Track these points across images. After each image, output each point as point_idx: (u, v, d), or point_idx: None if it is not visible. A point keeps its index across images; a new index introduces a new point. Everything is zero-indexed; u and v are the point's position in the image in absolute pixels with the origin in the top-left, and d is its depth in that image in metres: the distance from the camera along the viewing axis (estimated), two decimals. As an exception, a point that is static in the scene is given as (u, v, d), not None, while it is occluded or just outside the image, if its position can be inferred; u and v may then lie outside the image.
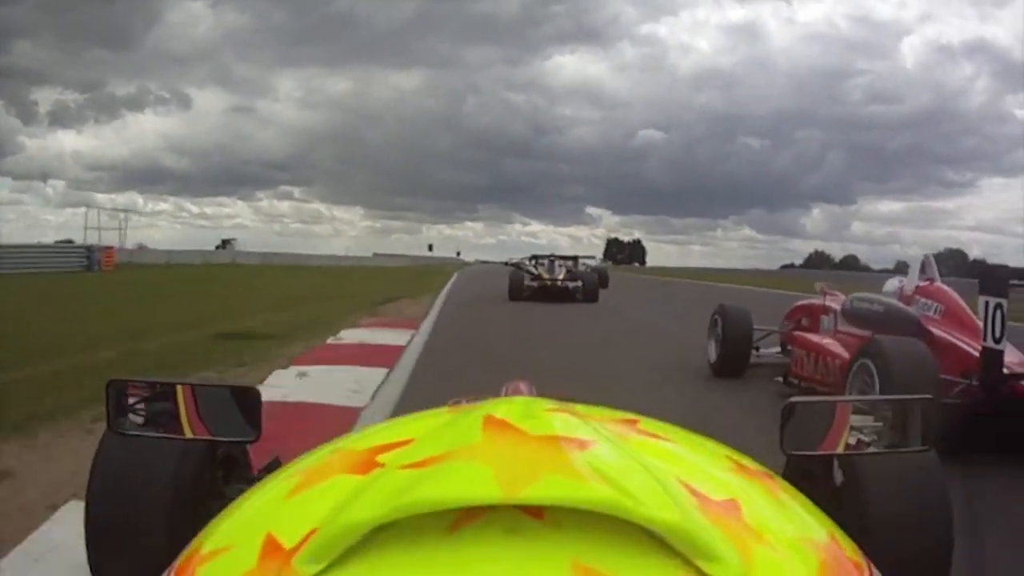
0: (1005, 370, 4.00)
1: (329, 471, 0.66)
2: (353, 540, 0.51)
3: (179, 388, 1.29)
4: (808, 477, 1.62)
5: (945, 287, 5.16)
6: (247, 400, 1.30)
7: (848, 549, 0.66)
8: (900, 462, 1.51)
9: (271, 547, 0.56)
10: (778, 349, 6.69)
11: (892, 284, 5.68)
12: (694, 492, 0.59)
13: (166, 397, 1.30)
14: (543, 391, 1.64)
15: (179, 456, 1.54)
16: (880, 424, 1.27)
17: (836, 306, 5.84)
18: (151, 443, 1.43)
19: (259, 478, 1.70)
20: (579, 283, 16.98)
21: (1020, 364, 4.23)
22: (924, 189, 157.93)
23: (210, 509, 1.58)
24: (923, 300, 5.11)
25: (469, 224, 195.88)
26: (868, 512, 1.49)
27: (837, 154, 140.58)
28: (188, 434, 1.28)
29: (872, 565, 0.66)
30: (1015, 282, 4.05)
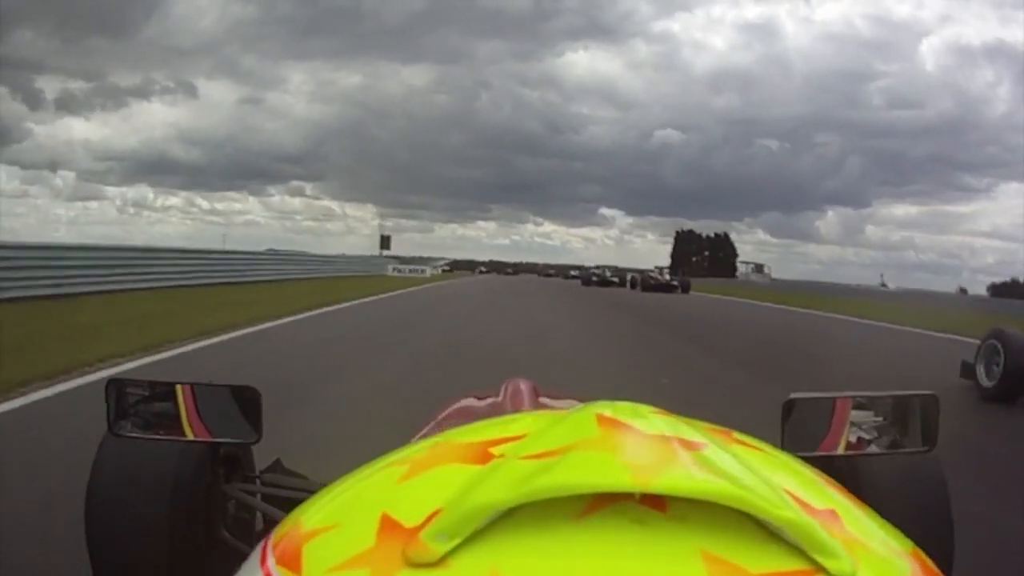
0: None
1: (439, 460, 0.67)
2: (483, 521, 0.52)
3: (179, 388, 1.30)
4: None
5: None
6: (247, 400, 1.32)
7: (929, 562, 0.69)
8: (901, 461, 1.51)
9: (390, 525, 0.56)
10: None
11: None
12: (796, 499, 0.61)
13: (166, 398, 1.31)
14: (542, 389, 1.68)
15: (179, 456, 1.55)
16: (881, 420, 1.26)
17: None
18: (151, 444, 1.44)
19: (261, 478, 1.76)
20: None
21: None
22: (941, 194, 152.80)
23: (211, 510, 1.63)
24: None
25: (482, 224, 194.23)
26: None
27: (854, 157, 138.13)
28: (188, 435, 1.30)
29: None
30: None
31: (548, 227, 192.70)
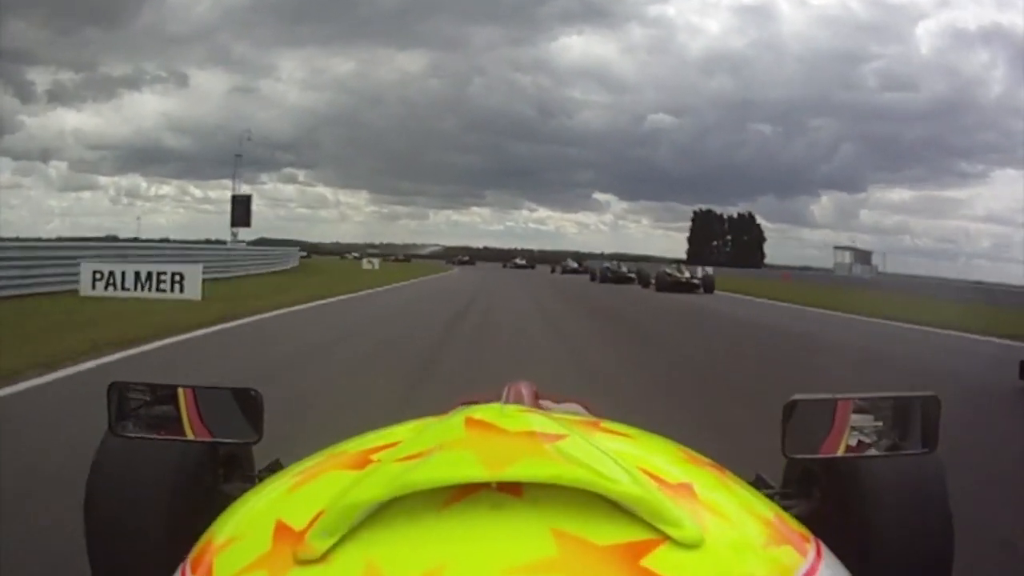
0: None
1: (326, 469, 0.75)
2: (358, 517, 0.59)
3: (180, 391, 1.32)
4: (809, 477, 1.64)
5: None
6: (249, 402, 1.33)
7: (794, 525, 0.74)
8: (901, 463, 1.52)
9: (282, 531, 0.63)
10: None
11: None
12: (652, 476, 0.67)
13: (167, 400, 1.33)
14: (544, 392, 1.68)
15: (179, 457, 1.57)
16: (881, 423, 1.27)
17: None
18: (152, 445, 1.47)
19: (260, 479, 1.78)
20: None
21: None
22: (937, 179, 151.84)
23: (211, 510, 1.68)
24: None
25: (476, 210, 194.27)
26: (868, 513, 1.50)
27: (848, 141, 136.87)
28: (189, 436, 1.32)
29: (821, 543, 0.72)
30: None
31: (542, 213, 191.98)
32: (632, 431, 0.87)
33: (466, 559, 0.57)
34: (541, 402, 1.58)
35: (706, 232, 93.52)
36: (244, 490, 1.67)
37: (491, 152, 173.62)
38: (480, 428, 0.67)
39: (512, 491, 0.61)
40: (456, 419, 0.70)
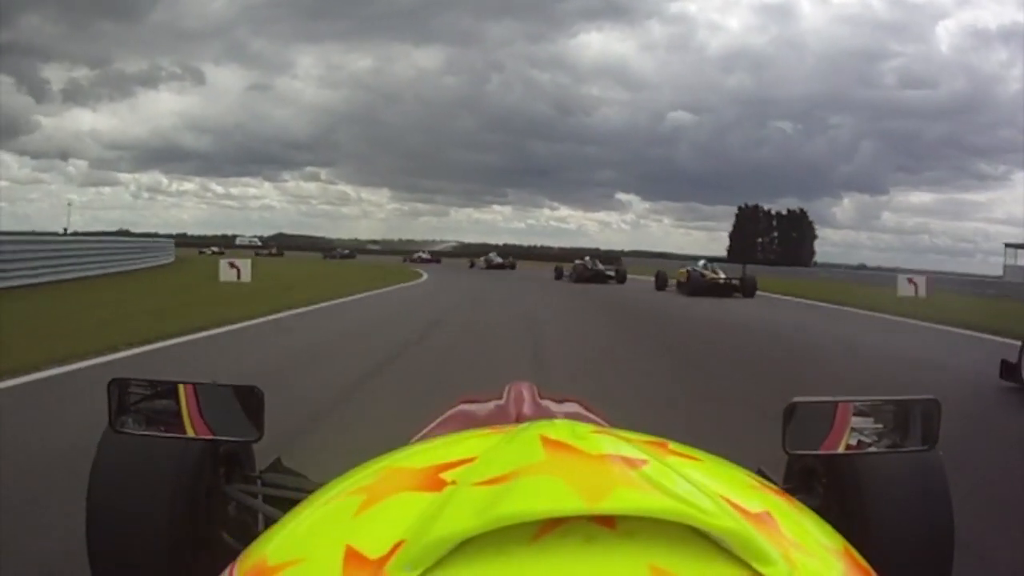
0: None
1: (393, 488, 0.70)
2: (444, 551, 0.56)
3: (181, 388, 1.33)
4: (809, 477, 1.65)
5: None
6: (250, 399, 1.34)
7: (859, 558, 0.73)
8: (902, 461, 1.53)
9: (354, 558, 0.59)
10: None
11: None
12: (733, 505, 0.65)
13: (168, 396, 1.34)
14: (544, 392, 1.68)
15: (180, 455, 1.57)
16: (882, 425, 1.29)
17: None
18: (152, 442, 1.47)
19: (262, 478, 1.78)
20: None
21: None
22: (956, 180, 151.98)
23: (212, 509, 1.66)
24: None
25: (498, 208, 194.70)
26: (869, 512, 1.51)
27: (868, 139, 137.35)
28: (190, 433, 1.33)
29: (875, 572, 0.72)
30: None
31: (564, 211, 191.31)
32: (698, 453, 0.85)
33: None
34: (542, 402, 1.60)
35: (750, 229, 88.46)
36: (245, 491, 1.72)
37: (510, 150, 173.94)
38: (559, 449, 0.65)
39: (605, 523, 0.58)
40: (530, 436, 0.68)
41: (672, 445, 0.84)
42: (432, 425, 1.51)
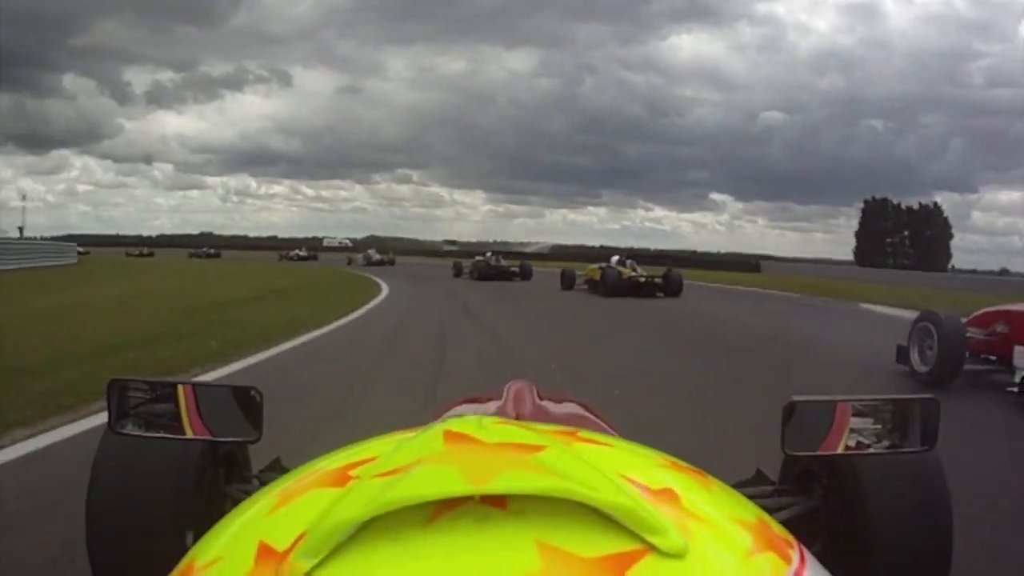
0: None
1: (306, 487, 0.74)
2: (342, 536, 0.58)
3: (180, 388, 1.35)
4: (808, 477, 1.64)
5: None
6: (248, 400, 1.35)
7: (777, 529, 0.73)
8: (901, 461, 1.52)
9: (265, 551, 0.63)
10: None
11: None
12: (634, 483, 0.67)
13: (167, 397, 1.36)
14: (544, 392, 1.64)
15: (180, 456, 1.60)
16: (881, 426, 1.28)
17: None
18: (152, 443, 1.49)
19: (260, 478, 1.81)
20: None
21: None
22: None
23: (211, 509, 1.68)
24: None
25: (592, 209, 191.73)
26: (868, 512, 1.50)
27: (958, 137, 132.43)
28: (189, 434, 1.35)
29: (803, 546, 0.72)
30: None
31: (658, 212, 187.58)
32: (612, 440, 0.88)
33: (452, 574, 0.57)
34: (541, 402, 1.61)
35: (879, 226, 73.29)
36: (244, 491, 1.75)
37: (604, 151, 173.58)
38: (459, 441, 0.68)
39: (496, 504, 0.61)
40: (434, 433, 0.70)
41: (583, 433, 0.86)
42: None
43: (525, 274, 25.00)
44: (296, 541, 0.61)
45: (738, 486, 1.39)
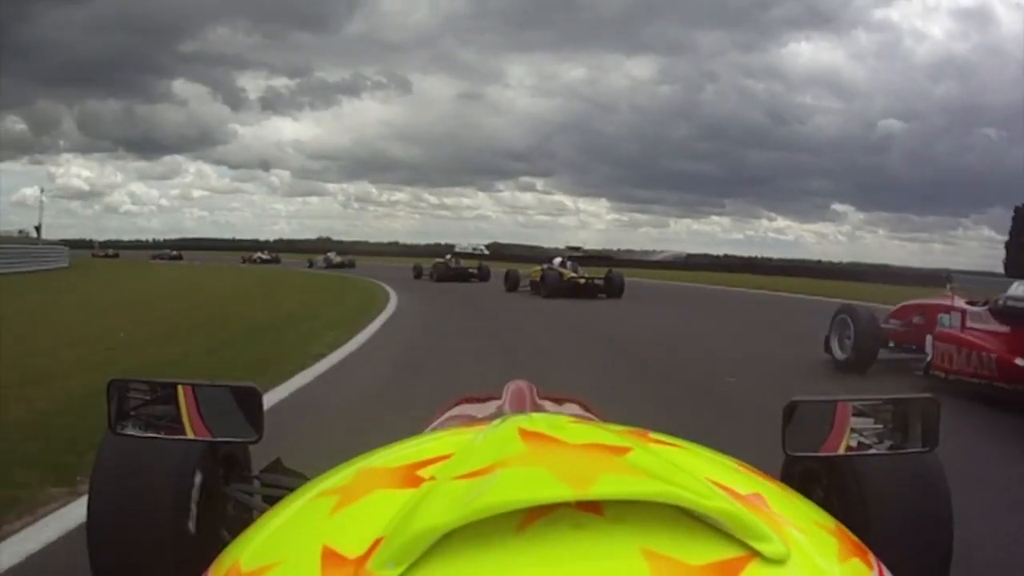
0: None
1: (368, 487, 0.68)
2: (427, 544, 0.54)
3: (180, 388, 1.34)
4: (809, 477, 1.64)
5: None
6: (248, 400, 1.35)
7: (853, 536, 0.72)
8: (902, 462, 1.53)
9: (332, 558, 0.58)
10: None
11: (1018, 289, 6.39)
12: (722, 487, 0.64)
13: (167, 398, 1.35)
14: (544, 391, 1.66)
15: (181, 456, 1.60)
16: (881, 426, 1.28)
17: (962, 306, 6.66)
18: (152, 443, 1.48)
19: (259, 478, 1.80)
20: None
21: None
22: None
23: (211, 509, 1.68)
24: None
25: (716, 219, 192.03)
26: (869, 512, 1.51)
27: None
28: (189, 434, 1.34)
29: (871, 550, 0.71)
30: None
31: (781, 222, 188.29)
32: (681, 441, 0.84)
33: None
34: (540, 402, 1.61)
35: None
36: (244, 491, 1.74)
37: (726, 159, 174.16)
38: (539, 440, 0.64)
39: (593, 509, 0.57)
40: (508, 430, 0.67)
41: (653, 434, 0.83)
42: (431, 426, 1.50)
43: (483, 276, 25.26)
44: (372, 547, 0.57)
45: None
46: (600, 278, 18.84)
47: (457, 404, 1.67)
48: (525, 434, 0.66)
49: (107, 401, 1.38)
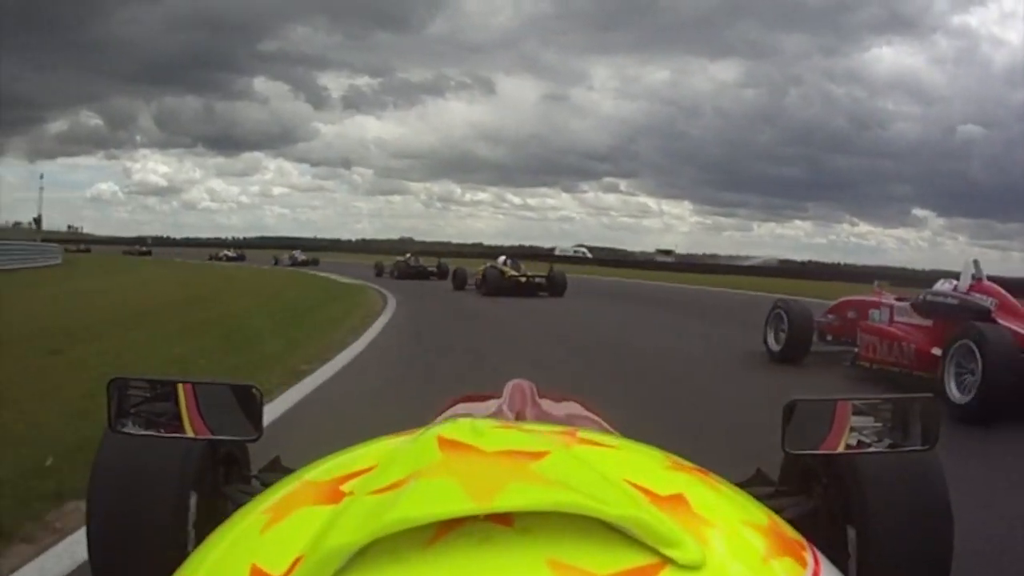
0: None
1: (297, 504, 0.71)
2: (341, 562, 0.55)
3: (180, 387, 1.33)
4: (808, 476, 1.65)
5: (993, 284, 6.38)
6: (248, 399, 1.35)
7: (789, 531, 0.72)
8: (901, 461, 1.53)
9: None
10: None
11: (944, 285, 6.82)
12: (642, 490, 0.65)
13: (167, 396, 1.34)
14: (543, 391, 1.68)
15: (181, 455, 1.58)
16: (881, 425, 1.29)
17: (890, 301, 7.20)
18: (152, 442, 1.47)
19: (258, 478, 1.78)
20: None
21: None
22: None
23: (211, 509, 1.66)
24: (977, 295, 6.32)
25: (799, 223, 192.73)
26: (869, 511, 1.51)
27: None
28: (189, 433, 1.33)
29: (815, 547, 0.71)
30: None
31: (863, 227, 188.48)
32: (614, 440, 0.85)
33: None
34: (540, 400, 1.62)
35: None
36: (244, 491, 1.72)
37: (809, 164, 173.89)
38: (456, 450, 0.65)
39: (502, 520, 0.58)
40: (427, 440, 0.68)
41: (582, 434, 0.84)
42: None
43: (442, 274, 25.72)
44: (292, 566, 0.58)
45: (738, 486, 1.44)
46: (542, 276, 18.99)
47: (456, 404, 1.68)
48: (443, 443, 0.66)
49: (107, 399, 1.37)
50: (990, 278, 6.48)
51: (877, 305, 7.34)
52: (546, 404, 1.60)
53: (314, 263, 41.36)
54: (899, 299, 7.24)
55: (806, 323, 7.88)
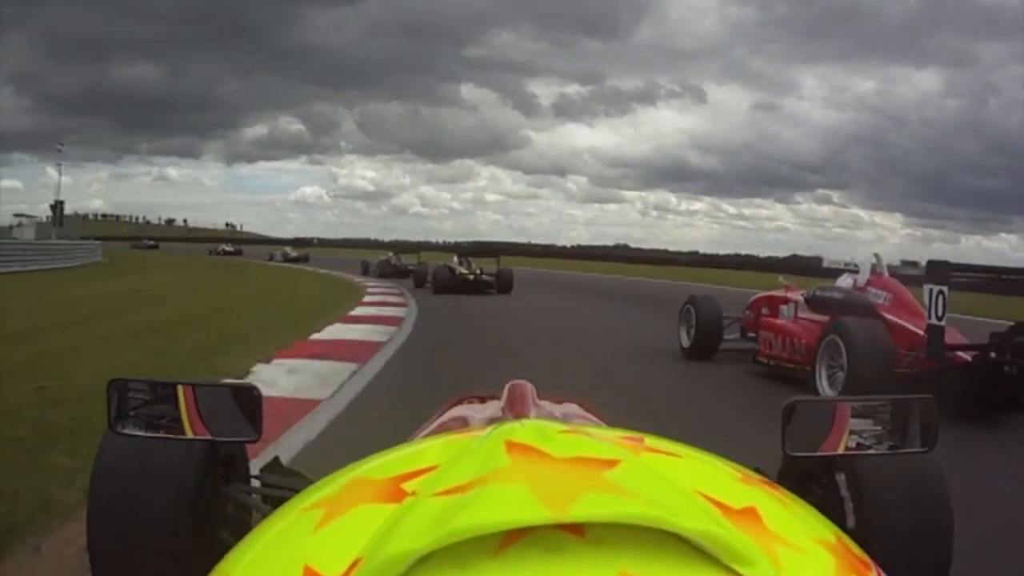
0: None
1: (354, 501, 0.68)
2: (402, 568, 0.53)
3: (179, 388, 1.32)
4: (808, 478, 1.66)
5: (893, 280, 6.54)
6: (247, 399, 1.33)
7: (855, 548, 0.71)
8: (901, 462, 1.54)
9: None
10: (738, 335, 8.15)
11: (845, 280, 6.91)
12: (714, 502, 0.63)
13: (167, 397, 1.32)
14: (544, 392, 1.69)
15: (181, 456, 1.57)
16: (880, 426, 1.30)
17: (796, 297, 7.26)
18: (152, 443, 1.46)
19: (258, 477, 1.78)
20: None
21: (955, 340, 5.57)
22: None
23: (211, 509, 1.66)
24: (874, 291, 6.50)
25: (1003, 236, 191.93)
26: (868, 512, 1.52)
27: None
28: (189, 434, 1.32)
29: (875, 563, 0.70)
30: (955, 274, 5.55)
31: None
32: (678, 447, 0.83)
33: None
34: (540, 402, 1.62)
35: None
36: (244, 491, 1.72)
37: (1012, 175, 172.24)
38: (525, 454, 0.64)
39: (574, 530, 0.56)
40: (494, 442, 0.67)
41: (649, 440, 0.82)
42: (430, 427, 1.53)
43: (421, 272, 26.20)
44: (350, 569, 0.56)
45: None
46: (491, 274, 19.21)
47: (456, 404, 1.69)
48: (511, 446, 0.65)
49: (107, 400, 1.35)
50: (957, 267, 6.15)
51: (786, 301, 7.37)
52: (546, 405, 1.61)
53: (304, 259, 43.56)
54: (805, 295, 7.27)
55: (715, 319, 7.94)
